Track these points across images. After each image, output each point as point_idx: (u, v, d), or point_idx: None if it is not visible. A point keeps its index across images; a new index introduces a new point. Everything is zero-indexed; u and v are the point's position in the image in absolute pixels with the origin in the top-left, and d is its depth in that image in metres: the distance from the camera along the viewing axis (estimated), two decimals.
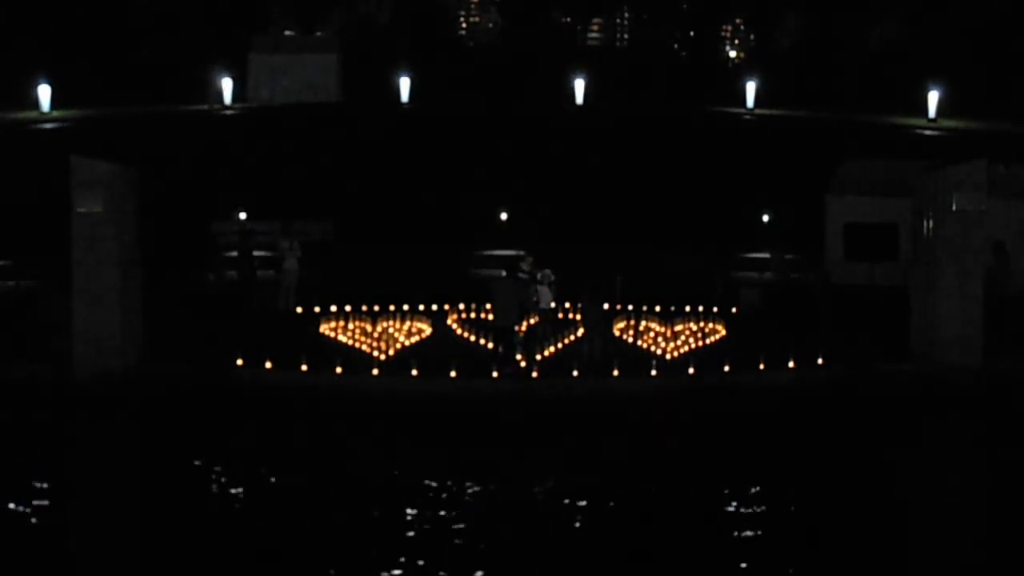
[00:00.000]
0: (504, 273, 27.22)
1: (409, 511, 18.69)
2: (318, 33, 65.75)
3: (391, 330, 29.17)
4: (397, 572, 16.29)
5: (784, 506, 19.48)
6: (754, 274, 38.13)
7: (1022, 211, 33.84)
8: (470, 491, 19.96)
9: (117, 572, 17.11)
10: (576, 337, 28.38)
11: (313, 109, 54.88)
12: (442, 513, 18.63)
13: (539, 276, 26.98)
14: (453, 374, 25.13)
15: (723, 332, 29.53)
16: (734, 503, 19.30)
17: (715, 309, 31.16)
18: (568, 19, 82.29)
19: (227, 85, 56.77)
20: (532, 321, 27.30)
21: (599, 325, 27.76)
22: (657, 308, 31.14)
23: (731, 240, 40.31)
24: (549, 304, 27.53)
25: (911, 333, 27.52)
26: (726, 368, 25.72)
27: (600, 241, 38.45)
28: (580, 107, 57.64)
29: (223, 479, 20.60)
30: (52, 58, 55.92)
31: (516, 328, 26.37)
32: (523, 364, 26.09)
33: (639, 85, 63.57)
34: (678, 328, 29.52)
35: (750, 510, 18.98)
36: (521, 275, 26.89)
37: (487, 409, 24.20)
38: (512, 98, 57.05)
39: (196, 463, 21.56)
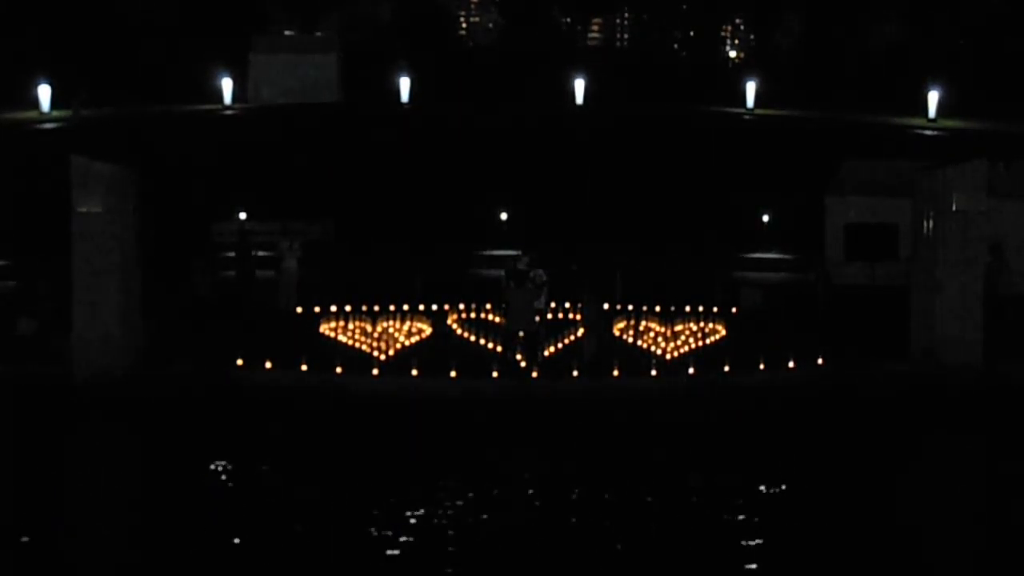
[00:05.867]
0: (503, 273, 27.24)
1: (407, 512, 18.69)
2: (318, 33, 65.72)
3: (391, 330, 29.16)
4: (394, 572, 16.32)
5: (784, 506, 19.48)
6: (754, 274, 38.12)
7: (1022, 211, 33.82)
8: (468, 491, 19.97)
9: (116, 573, 17.11)
10: (576, 337, 28.37)
11: (313, 109, 54.87)
12: (441, 514, 18.63)
13: (531, 275, 26.97)
14: (453, 374, 25.12)
15: (723, 332, 29.51)
16: (734, 503, 19.30)
17: (715, 309, 31.15)
18: (568, 19, 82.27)
19: (227, 85, 56.77)
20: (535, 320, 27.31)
21: (599, 325, 27.76)
22: (657, 308, 31.13)
23: (731, 240, 40.30)
24: (541, 305, 27.53)
25: (911, 333, 27.50)
26: (726, 368, 25.71)
27: (600, 241, 38.44)
28: (580, 107, 57.62)
29: (223, 480, 20.60)
30: (52, 58, 55.90)
31: (523, 332, 26.46)
32: (523, 364, 26.11)
33: (639, 85, 63.53)
34: (678, 328, 29.51)
35: (750, 511, 18.98)
36: (533, 277, 26.87)
37: (487, 409, 24.19)
38: (512, 98, 57.02)
39: (196, 464, 21.55)
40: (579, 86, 58.25)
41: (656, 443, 23.04)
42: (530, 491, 20.44)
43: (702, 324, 29.81)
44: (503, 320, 27.88)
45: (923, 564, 17.48)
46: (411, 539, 17.47)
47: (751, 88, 57.91)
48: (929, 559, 17.68)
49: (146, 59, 61.18)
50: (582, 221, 41.44)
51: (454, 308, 31.41)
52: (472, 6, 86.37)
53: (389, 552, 17.00)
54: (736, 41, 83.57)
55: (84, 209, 25.71)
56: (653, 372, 25.78)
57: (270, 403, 24.34)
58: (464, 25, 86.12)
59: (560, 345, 27.94)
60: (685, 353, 27.40)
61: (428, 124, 51.92)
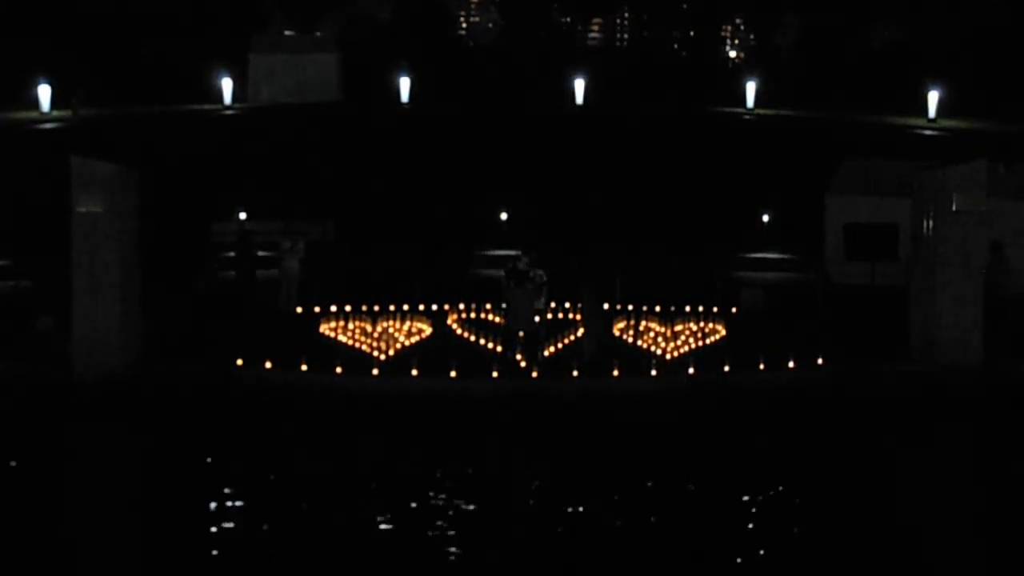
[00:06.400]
0: (503, 273, 27.24)
1: (407, 512, 18.70)
2: (318, 33, 65.77)
3: (391, 330, 29.17)
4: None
5: (784, 507, 19.48)
6: (754, 274, 38.10)
7: (1022, 211, 33.81)
8: (467, 492, 19.97)
9: (116, 574, 17.11)
10: (576, 337, 28.38)
11: (313, 109, 54.89)
12: (440, 514, 18.64)
13: (531, 275, 26.97)
14: (453, 374, 25.13)
15: (723, 332, 29.52)
16: (733, 504, 19.30)
17: (715, 309, 31.15)
18: (568, 19, 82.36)
19: (227, 85, 56.80)
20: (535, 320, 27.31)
21: (599, 325, 27.75)
22: (657, 308, 31.13)
23: (731, 240, 40.30)
24: (541, 305, 27.54)
25: (911, 333, 27.51)
26: (726, 368, 25.71)
27: (600, 241, 38.44)
28: (580, 107, 57.64)
29: (223, 480, 20.61)
30: (52, 58, 55.91)
31: (523, 332, 26.47)
32: (523, 364, 26.11)
33: (639, 85, 63.57)
34: (678, 328, 29.51)
35: (749, 511, 18.99)
36: (533, 277, 26.85)
37: (487, 409, 24.19)
38: (512, 98, 57.05)
39: (196, 464, 21.56)
40: (579, 86, 58.28)
41: (656, 443, 23.03)
42: (530, 492, 20.44)
43: (702, 324, 29.81)
44: (503, 320, 27.88)
45: (923, 564, 17.48)
46: (410, 539, 17.48)
47: (751, 88, 57.96)
48: (929, 559, 17.69)
49: (146, 59, 61.25)
50: (582, 221, 41.44)
51: (454, 308, 31.40)
52: (472, 6, 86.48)
53: (388, 552, 17.00)
54: (736, 41, 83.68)
55: (84, 209, 25.71)
56: (653, 372, 25.78)
57: (270, 403, 24.35)
58: (464, 25, 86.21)
59: (560, 345, 27.94)
60: (685, 353, 27.40)
61: (428, 124, 51.94)
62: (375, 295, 31.27)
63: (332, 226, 41.04)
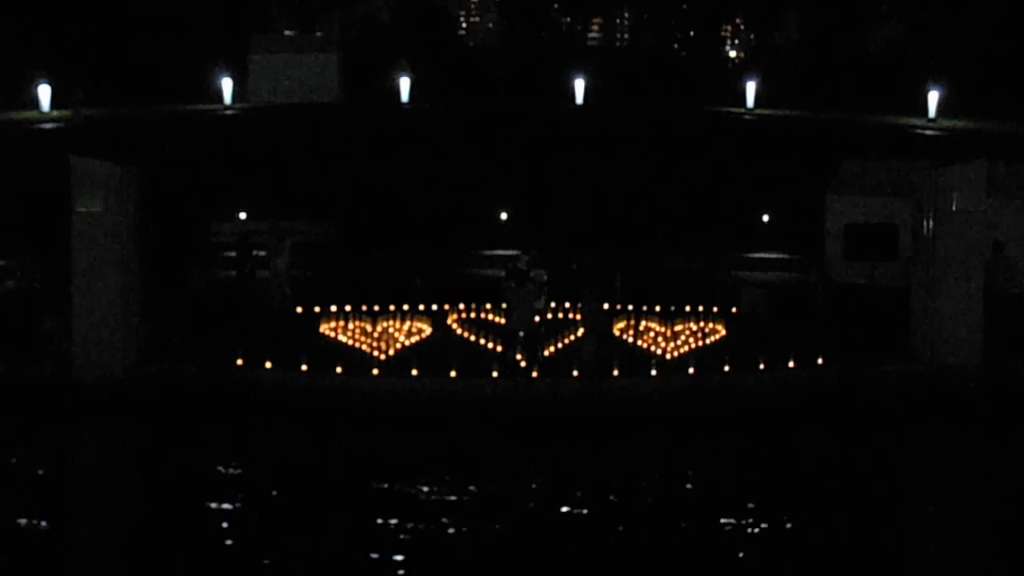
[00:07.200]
0: (503, 273, 27.25)
1: (407, 513, 18.70)
2: (318, 33, 65.79)
3: (391, 330, 29.16)
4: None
5: (783, 508, 19.48)
6: (754, 274, 38.09)
7: (1022, 211, 33.81)
8: (467, 493, 19.97)
9: (117, 573, 17.11)
10: (576, 337, 28.38)
11: (313, 109, 54.90)
12: (439, 515, 18.64)
13: (531, 275, 26.97)
14: (453, 374, 25.13)
15: (723, 332, 29.51)
16: (733, 504, 19.30)
17: (715, 309, 31.14)
18: (568, 19, 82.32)
19: (227, 85, 56.81)
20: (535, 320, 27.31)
21: (599, 325, 27.75)
22: (657, 308, 31.12)
23: (731, 240, 40.32)
24: (541, 305, 27.54)
25: (911, 333, 27.52)
26: (726, 368, 25.72)
27: (600, 241, 38.44)
28: (580, 107, 57.64)
29: (223, 480, 20.61)
30: (52, 58, 55.91)
31: (523, 332, 26.48)
32: (523, 364, 26.11)
33: (639, 85, 63.56)
34: (678, 328, 29.50)
35: (749, 511, 18.98)
36: (533, 277, 26.86)
37: (487, 409, 24.19)
38: (512, 98, 57.05)
39: (196, 464, 21.56)
40: (579, 86, 58.29)
41: (656, 443, 23.04)
42: (529, 491, 20.44)
43: (702, 324, 29.80)
44: (503, 320, 27.89)
45: (923, 563, 17.48)
46: (410, 539, 17.48)
47: (751, 88, 57.95)
48: (929, 558, 17.69)
49: (146, 59, 61.22)
50: (582, 221, 41.44)
51: (454, 308, 31.38)
52: (472, 6, 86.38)
53: (388, 552, 17.00)
54: (736, 41, 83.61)
55: (84, 209, 25.72)
56: (653, 372, 25.78)
57: (270, 403, 24.35)
58: (464, 25, 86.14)
59: (560, 345, 27.95)
60: (685, 353, 27.40)
61: (428, 124, 51.94)
62: (375, 295, 31.27)
63: (332, 226, 41.04)
